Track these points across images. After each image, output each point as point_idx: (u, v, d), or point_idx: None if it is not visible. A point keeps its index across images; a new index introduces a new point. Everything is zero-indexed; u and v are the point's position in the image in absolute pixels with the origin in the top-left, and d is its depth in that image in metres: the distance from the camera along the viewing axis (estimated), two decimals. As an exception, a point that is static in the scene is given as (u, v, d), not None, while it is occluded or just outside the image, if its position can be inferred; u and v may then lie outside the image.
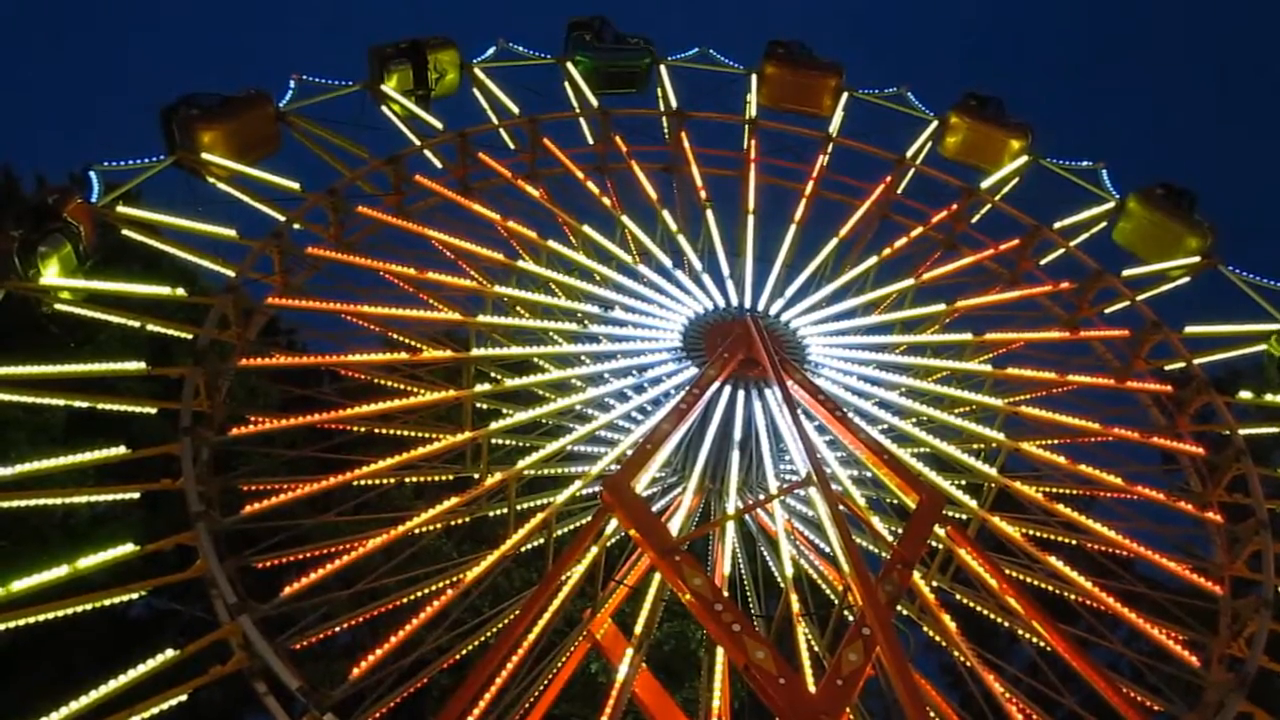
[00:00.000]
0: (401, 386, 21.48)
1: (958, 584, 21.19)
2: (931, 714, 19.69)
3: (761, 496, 21.70)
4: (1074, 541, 21.30)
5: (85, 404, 20.75)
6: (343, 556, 18.57)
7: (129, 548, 18.03)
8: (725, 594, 18.76)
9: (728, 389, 21.16)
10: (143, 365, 20.32)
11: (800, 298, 23.45)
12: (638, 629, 20.71)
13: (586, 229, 24.06)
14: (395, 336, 22.37)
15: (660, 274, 23.19)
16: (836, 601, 20.28)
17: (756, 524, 23.18)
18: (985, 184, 26.95)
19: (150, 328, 21.19)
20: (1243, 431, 22.65)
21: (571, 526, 21.59)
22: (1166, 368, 24.28)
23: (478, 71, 27.14)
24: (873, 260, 24.40)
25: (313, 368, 22.37)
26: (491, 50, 27.99)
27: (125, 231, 21.87)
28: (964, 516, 21.00)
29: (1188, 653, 19.73)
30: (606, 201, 25.05)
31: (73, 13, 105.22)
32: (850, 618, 19.09)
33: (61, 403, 20.86)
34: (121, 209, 21.79)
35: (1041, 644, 19.81)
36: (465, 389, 20.96)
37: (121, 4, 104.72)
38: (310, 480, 19.41)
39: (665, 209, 24.70)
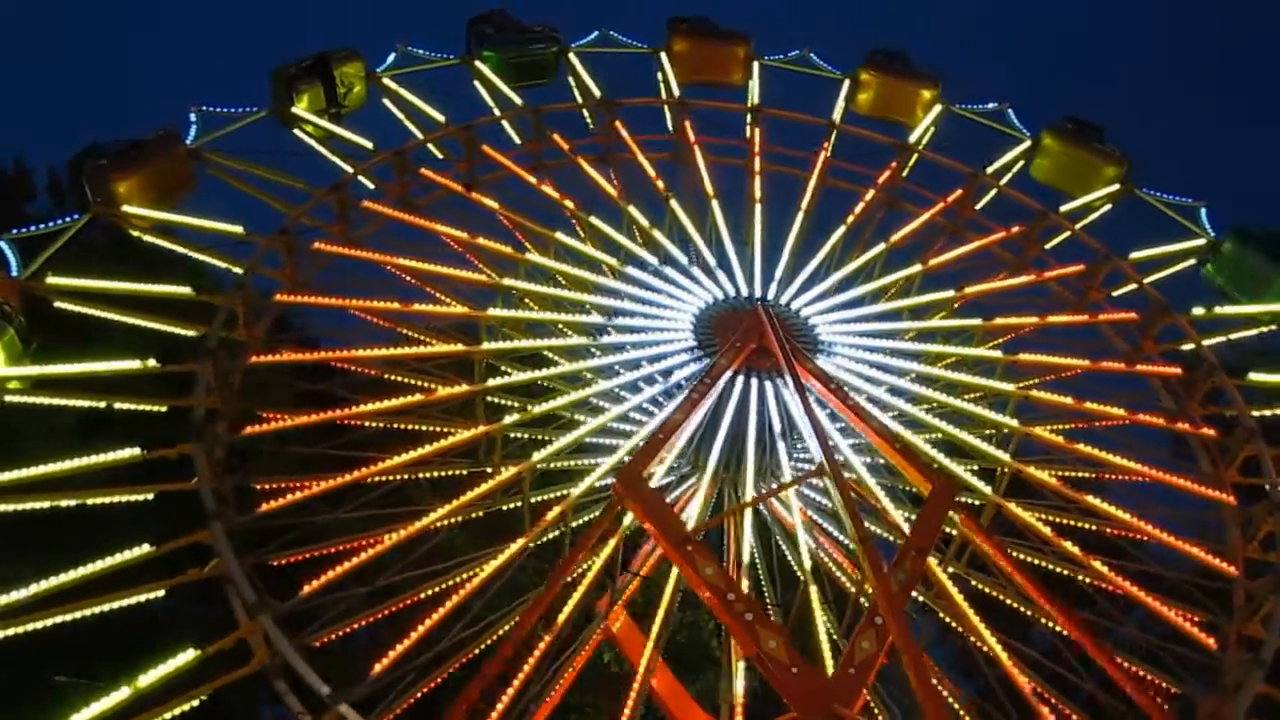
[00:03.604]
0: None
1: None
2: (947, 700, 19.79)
3: (775, 486, 21.61)
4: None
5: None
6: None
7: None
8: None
9: (741, 379, 21.17)
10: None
11: (788, 283, 23.52)
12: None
13: (559, 235, 23.68)
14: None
15: (654, 271, 23.19)
16: (853, 590, 20.29)
17: (771, 514, 23.12)
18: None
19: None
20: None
21: (588, 518, 21.51)
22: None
23: (387, 81, 26.17)
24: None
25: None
26: (392, 56, 26.83)
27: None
28: (978, 502, 21.02)
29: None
30: (569, 204, 24.57)
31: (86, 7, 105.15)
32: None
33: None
34: (52, 279, 20.42)
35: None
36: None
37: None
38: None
39: (630, 203, 24.55)
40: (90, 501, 18.91)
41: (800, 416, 20.08)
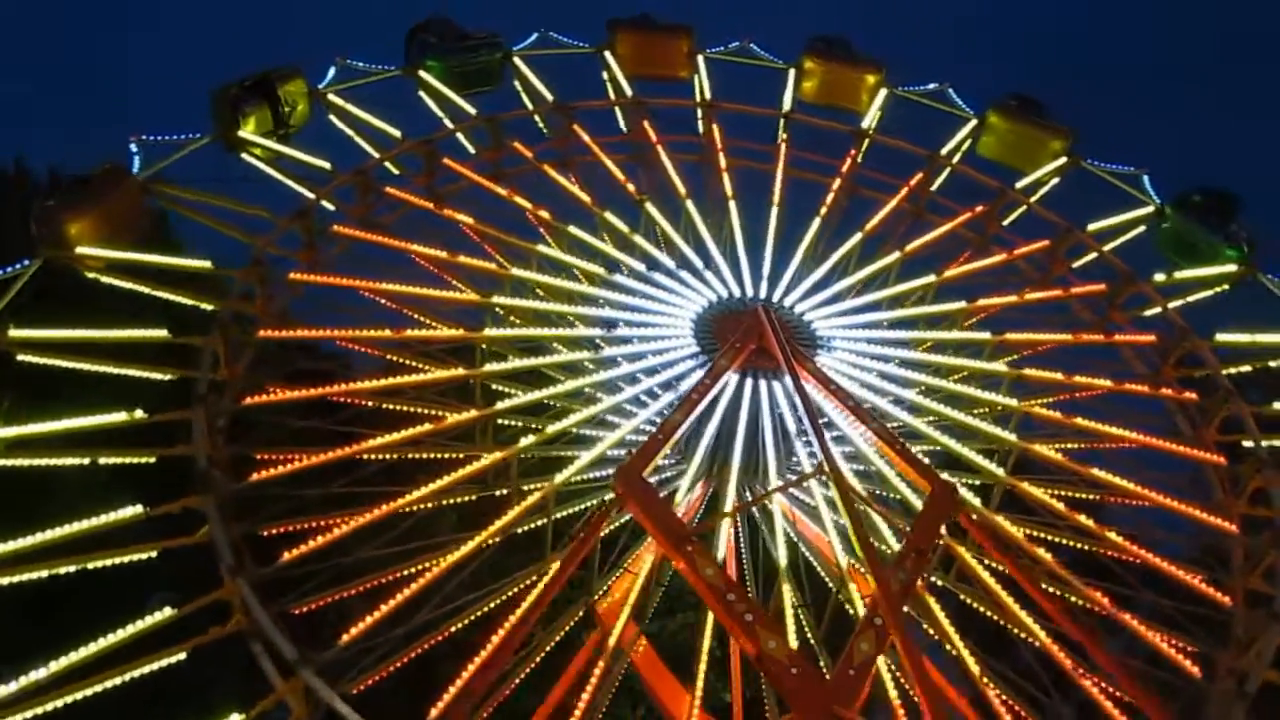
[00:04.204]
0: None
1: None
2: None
3: (776, 486, 21.67)
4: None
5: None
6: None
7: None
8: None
9: (737, 378, 21.14)
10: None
11: (777, 280, 23.58)
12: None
13: (540, 248, 23.35)
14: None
15: (643, 277, 23.02)
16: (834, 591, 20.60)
17: (787, 516, 23.04)
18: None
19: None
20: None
21: (574, 509, 21.53)
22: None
23: (332, 97, 25.26)
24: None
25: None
26: (332, 71, 25.97)
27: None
28: (980, 482, 21.28)
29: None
30: (544, 214, 24.16)
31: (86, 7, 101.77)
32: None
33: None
34: (14, 333, 19.57)
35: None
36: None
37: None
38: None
39: (605, 209, 24.37)
40: (93, 565, 18.04)
41: (802, 415, 20.07)
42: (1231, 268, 25.27)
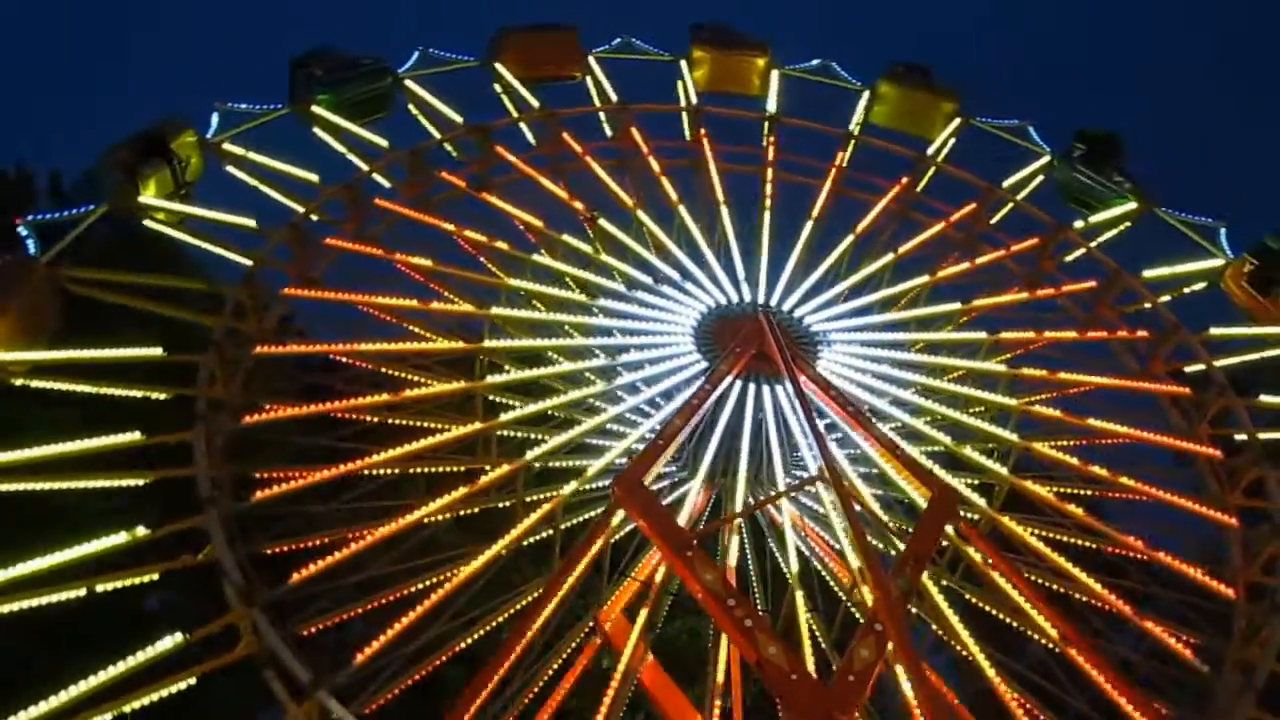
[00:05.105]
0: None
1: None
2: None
3: (774, 491, 21.55)
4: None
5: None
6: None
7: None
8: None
9: (740, 384, 21.18)
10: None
11: (772, 282, 23.57)
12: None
13: (513, 282, 22.80)
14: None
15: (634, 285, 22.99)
16: (844, 598, 20.61)
17: (768, 519, 23.12)
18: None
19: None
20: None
21: (581, 518, 21.53)
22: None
23: (228, 146, 23.51)
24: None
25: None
26: (216, 118, 23.98)
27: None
28: (974, 516, 20.93)
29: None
30: (503, 245, 23.46)
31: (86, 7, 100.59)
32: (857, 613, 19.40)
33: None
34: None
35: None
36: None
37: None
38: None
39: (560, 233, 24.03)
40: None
41: (799, 423, 20.40)
42: (1131, 205, 26.35)
